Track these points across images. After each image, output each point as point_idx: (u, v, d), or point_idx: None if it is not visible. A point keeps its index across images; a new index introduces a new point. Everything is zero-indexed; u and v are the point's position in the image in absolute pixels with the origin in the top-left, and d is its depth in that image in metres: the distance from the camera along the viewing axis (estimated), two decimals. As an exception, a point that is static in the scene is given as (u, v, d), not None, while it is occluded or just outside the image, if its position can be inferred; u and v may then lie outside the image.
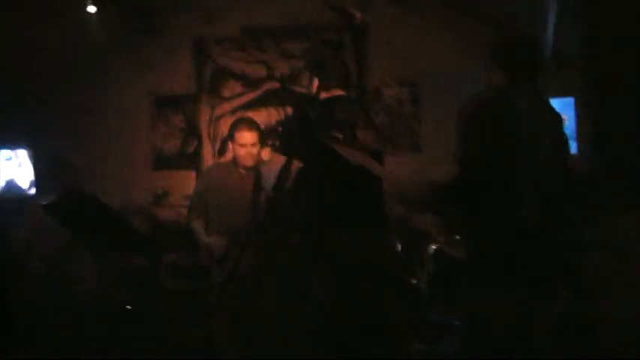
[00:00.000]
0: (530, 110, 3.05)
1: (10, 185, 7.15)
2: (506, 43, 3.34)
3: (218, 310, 4.61)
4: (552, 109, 3.22)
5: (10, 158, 7.15)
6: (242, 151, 4.86)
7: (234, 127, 5.01)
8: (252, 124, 4.99)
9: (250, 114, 7.08)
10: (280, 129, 3.83)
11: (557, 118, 3.20)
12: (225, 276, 4.45)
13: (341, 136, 3.65)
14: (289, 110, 6.95)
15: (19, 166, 7.15)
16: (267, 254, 4.52)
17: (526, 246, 2.84)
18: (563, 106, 5.77)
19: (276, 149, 3.56)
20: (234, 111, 7.22)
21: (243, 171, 4.91)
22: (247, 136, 4.84)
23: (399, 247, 5.59)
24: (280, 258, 4.41)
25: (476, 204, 2.95)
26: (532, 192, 2.91)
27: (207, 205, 4.97)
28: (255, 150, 4.86)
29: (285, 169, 2.61)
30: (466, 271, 3.20)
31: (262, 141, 4.97)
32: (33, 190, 6.95)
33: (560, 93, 5.87)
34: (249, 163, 4.85)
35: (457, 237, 5.09)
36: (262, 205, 4.49)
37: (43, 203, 4.13)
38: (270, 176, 3.68)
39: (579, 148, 5.73)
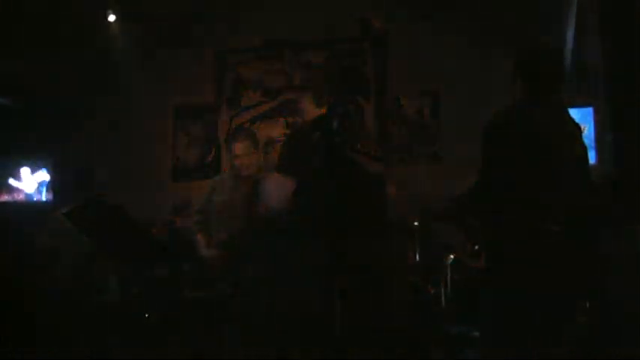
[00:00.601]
0: (551, 122, 3.04)
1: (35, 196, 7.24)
2: (530, 54, 3.29)
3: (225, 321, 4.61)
4: (573, 120, 3.20)
5: (35, 170, 7.25)
6: (237, 162, 4.91)
7: (231, 139, 5.06)
8: (245, 135, 5.03)
9: (269, 123, 7.15)
10: (286, 142, 3.84)
11: (578, 129, 3.18)
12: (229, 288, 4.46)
13: (360, 146, 3.67)
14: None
15: (44, 177, 7.24)
16: (266, 265, 4.48)
17: (548, 257, 2.83)
18: (582, 116, 5.76)
19: (288, 162, 3.57)
20: (253, 120, 7.27)
21: (241, 181, 4.92)
22: (240, 147, 4.88)
23: (417, 256, 5.59)
24: (281, 269, 4.33)
25: (498, 215, 2.95)
26: (555, 203, 2.90)
27: (210, 217, 4.99)
28: (247, 160, 4.88)
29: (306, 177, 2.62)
30: (487, 281, 3.19)
31: (258, 150, 5.00)
32: (57, 202, 7.03)
33: (579, 103, 5.87)
34: (245, 172, 4.87)
35: (476, 247, 5.09)
36: (260, 216, 4.49)
37: (65, 211, 4.16)
38: (268, 186, 3.70)
39: (598, 158, 5.72)
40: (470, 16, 6.70)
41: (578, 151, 3.11)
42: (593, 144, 5.76)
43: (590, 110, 5.96)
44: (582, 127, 3.25)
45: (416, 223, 5.63)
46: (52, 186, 7.28)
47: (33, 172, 7.25)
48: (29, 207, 7.18)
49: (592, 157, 5.74)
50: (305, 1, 7.22)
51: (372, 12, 3.14)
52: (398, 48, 6.88)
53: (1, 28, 5.95)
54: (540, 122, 3.00)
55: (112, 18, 6.33)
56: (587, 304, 3.62)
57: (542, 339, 2.81)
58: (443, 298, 4.92)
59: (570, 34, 5.20)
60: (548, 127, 3.01)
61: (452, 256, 5.04)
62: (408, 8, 6.85)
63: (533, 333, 2.82)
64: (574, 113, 3.32)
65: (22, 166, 7.26)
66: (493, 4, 6.22)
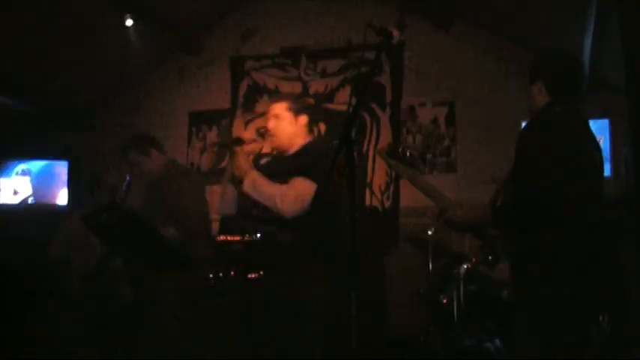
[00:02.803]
0: (581, 133, 2.96)
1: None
2: (548, 57, 3.20)
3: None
4: (592, 132, 3.08)
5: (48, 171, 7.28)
6: None
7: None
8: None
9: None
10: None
11: (597, 142, 3.06)
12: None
13: (401, 151, 3.63)
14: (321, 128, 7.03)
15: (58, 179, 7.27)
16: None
17: (576, 269, 2.75)
18: (598, 128, 5.73)
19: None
20: (268, 127, 7.28)
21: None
22: None
23: (430, 266, 5.57)
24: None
25: (527, 227, 2.85)
26: (589, 214, 2.82)
27: None
28: None
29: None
30: (513, 293, 3.12)
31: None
32: (72, 206, 7.06)
33: (596, 114, 5.83)
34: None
35: (490, 258, 5.06)
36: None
37: (81, 216, 4.16)
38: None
39: (613, 170, 5.68)
40: (486, 26, 6.71)
41: (600, 164, 3.01)
42: (608, 156, 5.72)
43: (606, 122, 5.92)
44: (598, 138, 3.18)
45: (430, 232, 5.62)
46: (68, 190, 7.31)
47: (50, 175, 7.28)
48: (46, 211, 7.20)
49: (607, 170, 5.71)
50: (321, 9, 7.26)
51: (389, 21, 3.11)
52: (414, 57, 6.89)
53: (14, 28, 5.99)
54: (573, 133, 2.90)
55: (129, 22, 6.35)
56: (601, 318, 3.58)
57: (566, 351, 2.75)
58: (455, 309, 4.88)
59: (588, 44, 5.17)
60: (580, 138, 2.93)
61: (465, 266, 5.01)
62: (424, 18, 6.87)
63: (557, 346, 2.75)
64: (590, 124, 3.23)
65: (38, 169, 7.29)
66: (508, 14, 6.20)
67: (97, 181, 5.38)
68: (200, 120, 7.64)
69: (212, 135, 7.59)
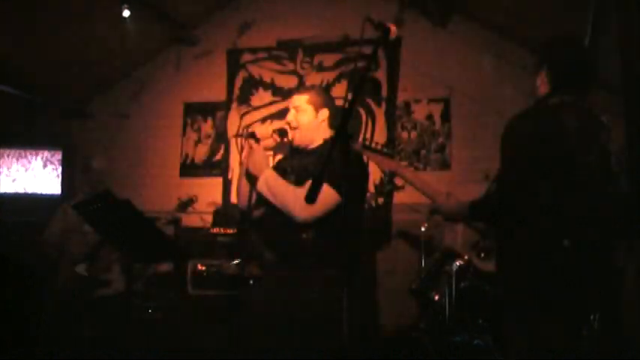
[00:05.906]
0: (581, 129, 2.74)
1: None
2: (556, 42, 2.99)
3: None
4: (602, 124, 2.85)
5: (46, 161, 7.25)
6: None
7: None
8: None
9: (279, 123, 7.16)
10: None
11: (600, 144, 2.80)
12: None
13: (379, 145, 3.59)
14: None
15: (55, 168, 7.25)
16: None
17: (563, 270, 2.67)
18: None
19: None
20: (264, 119, 7.27)
21: None
22: None
23: (423, 262, 5.58)
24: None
25: (513, 226, 2.76)
26: (577, 219, 2.68)
27: None
28: None
29: (318, 181, 2.56)
30: (498, 292, 3.09)
31: None
32: (65, 194, 7.03)
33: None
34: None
35: (482, 255, 5.06)
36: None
37: (73, 202, 4.14)
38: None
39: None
40: (483, 23, 6.70)
41: (606, 159, 2.80)
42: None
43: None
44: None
45: (422, 229, 5.62)
46: (61, 178, 7.28)
47: (44, 163, 7.25)
48: (39, 199, 7.18)
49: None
50: (319, 3, 7.25)
51: (387, 16, 3.06)
52: (410, 53, 6.87)
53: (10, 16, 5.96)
54: (568, 129, 2.72)
55: (126, 13, 6.32)
56: (592, 317, 3.57)
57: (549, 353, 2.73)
58: (447, 305, 4.89)
59: (585, 43, 5.16)
60: (577, 134, 2.74)
61: (457, 263, 5.01)
62: (421, 14, 6.86)
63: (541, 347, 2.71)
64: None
65: (32, 157, 7.26)
66: (506, 12, 6.20)
67: (84, 166, 5.37)
68: (195, 111, 7.62)
69: (207, 126, 7.57)
